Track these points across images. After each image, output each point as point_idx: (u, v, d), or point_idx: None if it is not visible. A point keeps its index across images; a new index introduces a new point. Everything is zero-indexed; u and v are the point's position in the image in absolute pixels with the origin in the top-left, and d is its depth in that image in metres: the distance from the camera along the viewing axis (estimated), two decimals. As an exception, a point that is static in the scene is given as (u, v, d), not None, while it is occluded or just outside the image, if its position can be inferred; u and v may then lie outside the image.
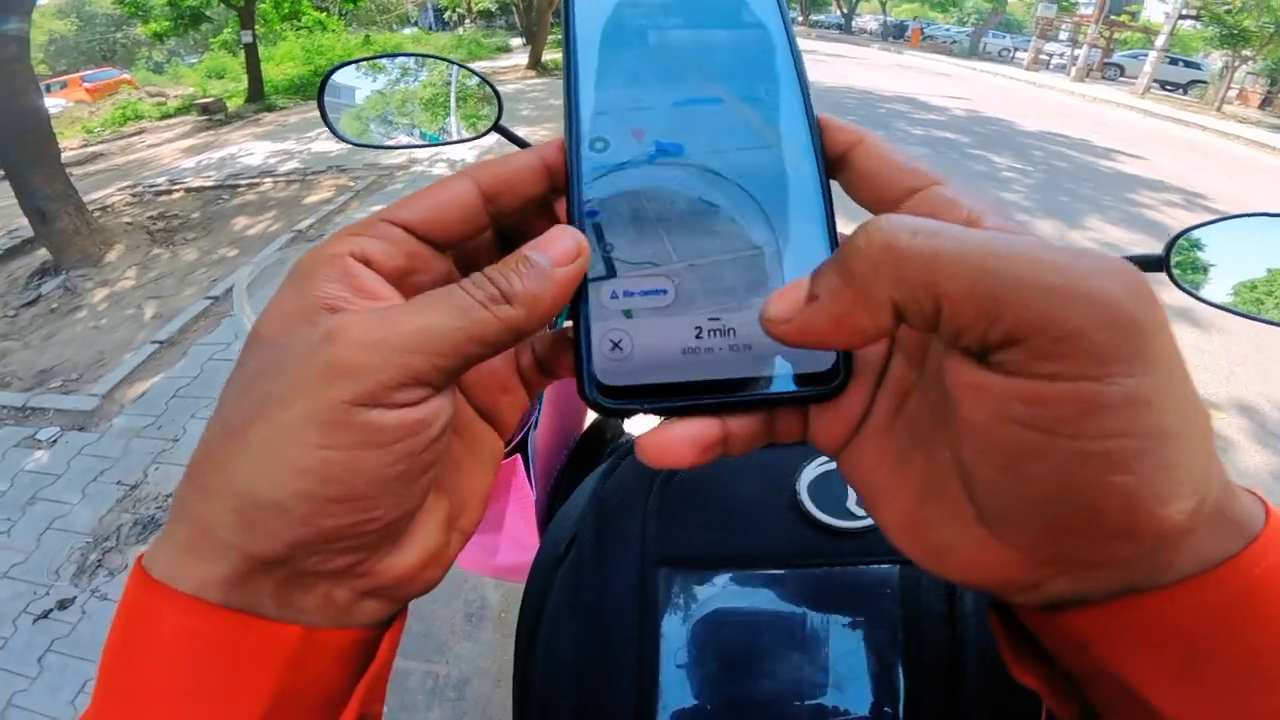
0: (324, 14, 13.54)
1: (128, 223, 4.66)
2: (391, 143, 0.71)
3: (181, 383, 2.70)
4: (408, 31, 24.12)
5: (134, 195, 5.53)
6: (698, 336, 0.19)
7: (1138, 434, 0.13)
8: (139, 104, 12.31)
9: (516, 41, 20.97)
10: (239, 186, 5.44)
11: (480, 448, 0.21)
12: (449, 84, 0.72)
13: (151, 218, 4.78)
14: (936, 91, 11.34)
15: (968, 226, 0.17)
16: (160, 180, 5.92)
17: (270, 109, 10.45)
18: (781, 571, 0.35)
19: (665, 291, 0.19)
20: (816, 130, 0.21)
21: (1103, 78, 18.30)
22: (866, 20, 37.80)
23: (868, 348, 0.19)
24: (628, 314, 0.19)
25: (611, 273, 0.19)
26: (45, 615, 1.79)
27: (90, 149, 8.94)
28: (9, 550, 2.00)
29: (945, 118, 8.58)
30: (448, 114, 0.71)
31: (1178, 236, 0.53)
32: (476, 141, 0.70)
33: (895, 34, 31.54)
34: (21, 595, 1.85)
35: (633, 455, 0.39)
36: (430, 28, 26.87)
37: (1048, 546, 0.16)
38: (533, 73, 12.17)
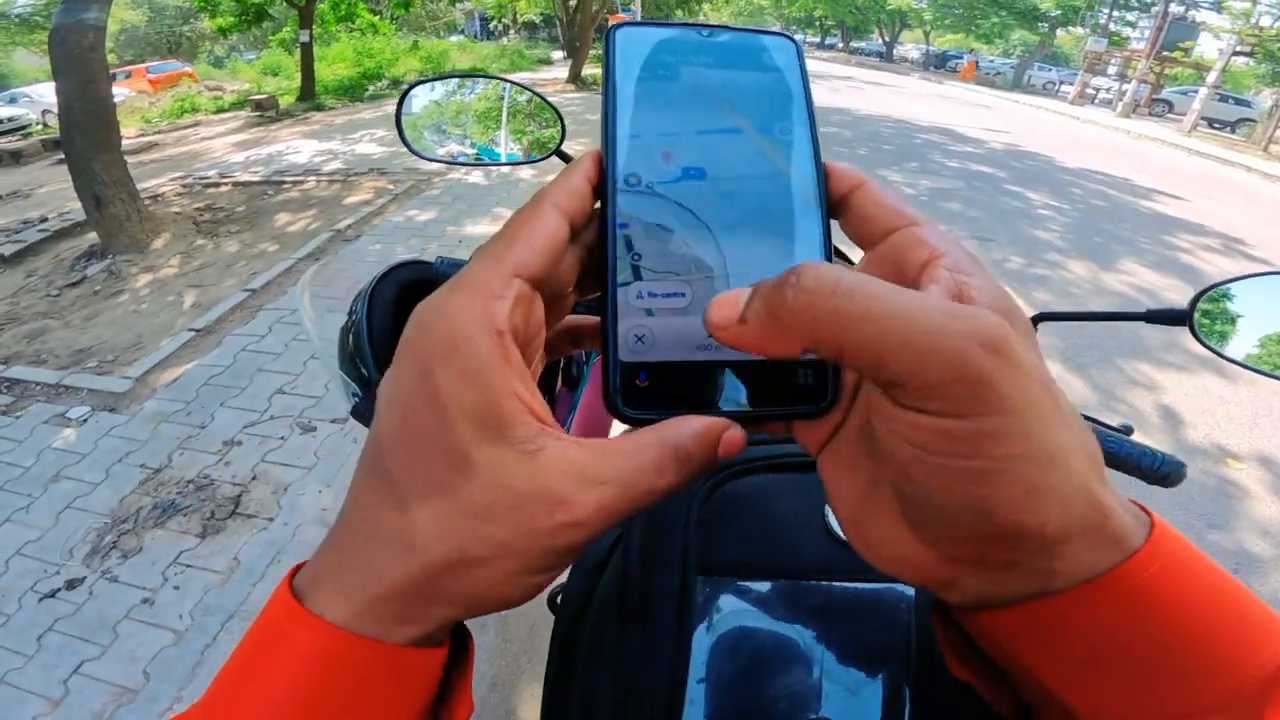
0: (377, 17, 13.92)
1: (176, 212, 4.81)
2: (461, 159, 0.75)
3: (214, 371, 2.75)
4: (454, 39, 24.60)
5: (184, 186, 5.72)
6: (709, 334, 0.21)
7: (989, 457, 0.17)
8: (197, 97, 12.76)
9: (557, 54, 21.23)
10: (284, 183, 5.60)
11: None
12: (515, 106, 0.77)
13: (199, 209, 4.93)
14: (975, 124, 11.23)
15: (925, 266, 0.21)
16: (210, 173, 6.13)
17: (319, 108, 10.77)
18: (808, 583, 0.38)
19: (683, 295, 0.22)
20: (821, 168, 0.23)
21: (1150, 114, 17.82)
22: (908, 49, 37.48)
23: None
24: (649, 313, 0.22)
25: (638, 277, 0.22)
26: (52, 594, 1.80)
27: (147, 138, 9.29)
28: (26, 527, 2.02)
29: (983, 150, 8.49)
30: (515, 135, 0.75)
31: (1201, 294, 0.55)
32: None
33: (937, 64, 31.25)
34: (31, 573, 1.86)
35: None
36: (476, 36, 27.42)
37: (948, 546, 0.19)
38: (572, 87, 12.35)
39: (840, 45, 42.68)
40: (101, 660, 1.62)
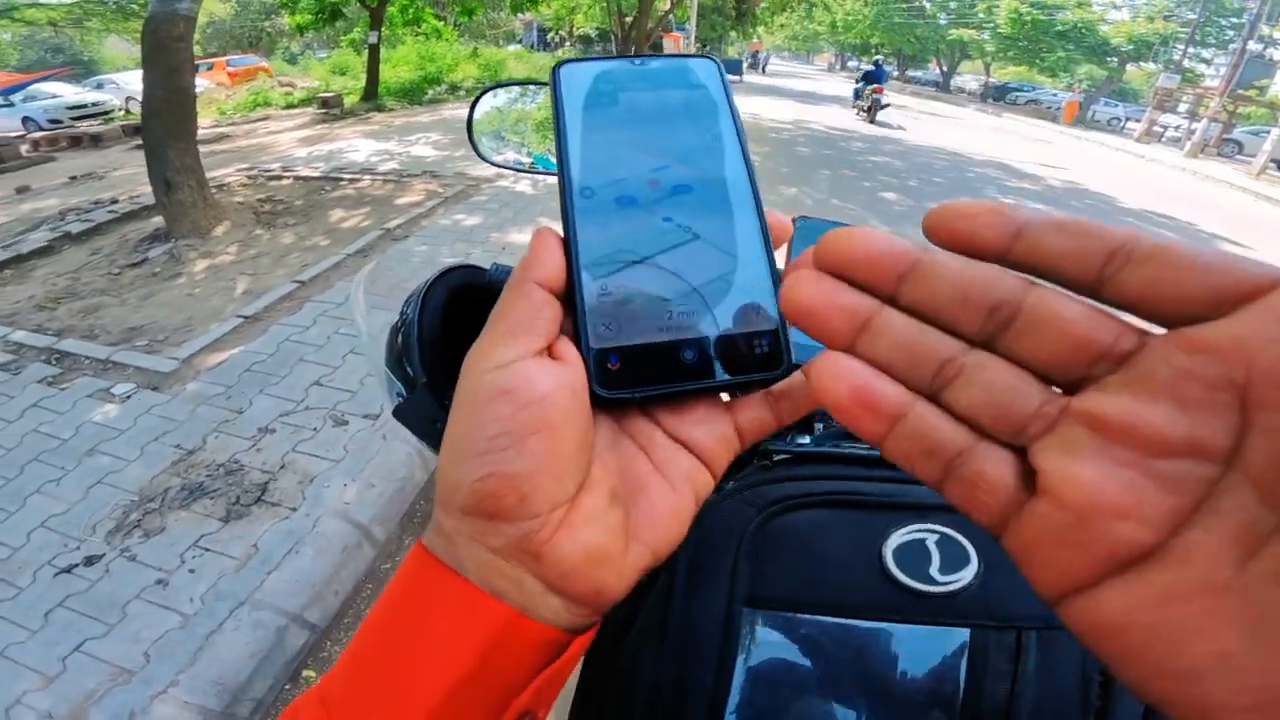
0: (442, 23, 14.39)
1: (239, 202, 5.00)
2: (521, 166, 0.75)
3: (257, 358, 2.82)
4: (512, 48, 25.21)
5: (249, 177, 5.96)
6: (669, 317, 0.24)
7: None
8: (269, 92, 13.36)
9: (612, 69, 21.65)
10: (341, 180, 5.78)
11: (676, 473, 0.24)
12: None
13: (260, 200, 5.12)
14: (1034, 159, 10.95)
15: None
16: (274, 166, 6.37)
17: (380, 109, 11.15)
18: (856, 622, 0.37)
19: (640, 285, 0.24)
20: (751, 166, 0.26)
21: (1219, 154, 17.13)
22: (966, 80, 36.97)
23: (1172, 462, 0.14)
24: (613, 304, 0.24)
25: (598, 274, 0.24)
26: (69, 569, 1.81)
27: (219, 129, 9.76)
28: (54, 499, 2.05)
29: (1040, 188, 8.26)
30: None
31: None
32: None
33: (996, 96, 30.65)
34: (51, 546, 1.88)
35: (728, 501, 0.43)
36: (533, 46, 28.08)
37: None
38: None
39: (896, 74, 42.32)
40: (105, 639, 1.64)
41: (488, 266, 0.61)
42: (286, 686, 1.62)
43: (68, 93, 14.48)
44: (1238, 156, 17.44)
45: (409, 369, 0.54)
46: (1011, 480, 0.16)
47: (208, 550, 1.88)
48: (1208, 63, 22.04)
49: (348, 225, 4.56)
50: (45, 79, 15.22)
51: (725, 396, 0.26)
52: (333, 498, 2.06)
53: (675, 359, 0.24)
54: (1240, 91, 16.32)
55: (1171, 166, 13.60)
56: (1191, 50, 21.98)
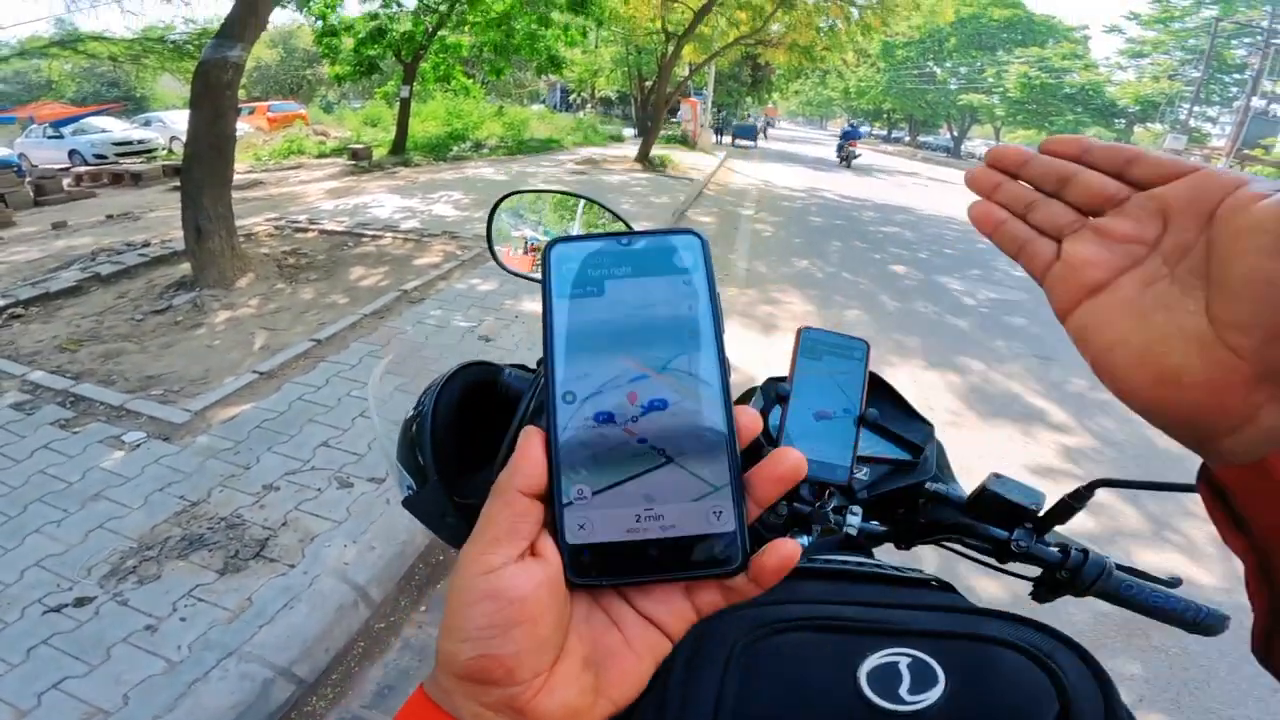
0: (471, 80, 15.02)
1: (264, 253, 5.13)
2: (539, 276, 0.78)
3: (268, 416, 2.84)
4: (536, 108, 26.19)
5: (276, 228, 6.14)
6: (637, 520, 0.26)
7: None
8: (304, 140, 13.90)
9: (629, 132, 22.18)
10: (364, 236, 5.92)
11: (640, 643, 0.28)
12: (594, 226, 0.80)
13: (285, 252, 5.24)
14: (1044, 228, 11.07)
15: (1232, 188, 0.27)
16: (301, 217, 6.57)
17: (407, 164, 11.55)
18: None
19: (613, 491, 0.27)
20: (724, 357, 0.28)
21: None
22: (976, 144, 37.72)
23: (1127, 245, 0.29)
24: (587, 505, 0.26)
25: (576, 479, 0.26)
26: (57, 609, 1.81)
27: (253, 175, 10.13)
28: (52, 540, 2.07)
29: (1050, 258, 8.33)
30: None
31: None
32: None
33: (1008, 162, 31.23)
34: (44, 585, 1.89)
35: (718, 620, 0.44)
36: (555, 107, 29.14)
37: (1267, 348, 0.24)
38: (639, 166, 12.66)
39: (907, 139, 43.38)
40: (85, 679, 1.63)
41: (501, 365, 0.63)
42: (266, 743, 1.59)
43: (116, 128, 15.11)
44: None
45: (421, 462, 0.55)
46: (1050, 253, 0.31)
47: (201, 600, 1.87)
48: (1213, 121, 22.34)
49: (367, 284, 4.64)
50: (97, 113, 15.94)
51: None
52: (332, 557, 2.05)
53: (642, 555, 0.27)
54: (1246, 151, 16.49)
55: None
56: (1197, 109, 22.31)
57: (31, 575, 1.94)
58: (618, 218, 0.77)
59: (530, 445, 0.27)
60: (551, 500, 0.27)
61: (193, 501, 2.28)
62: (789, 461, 0.27)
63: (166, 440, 2.65)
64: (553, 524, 0.27)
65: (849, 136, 19.01)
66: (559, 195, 0.82)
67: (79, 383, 3.08)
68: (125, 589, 1.90)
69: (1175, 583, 0.63)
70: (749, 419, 0.28)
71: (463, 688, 0.26)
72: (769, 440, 0.68)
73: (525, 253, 0.80)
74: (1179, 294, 0.27)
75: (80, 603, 1.84)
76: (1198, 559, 2.51)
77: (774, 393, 0.73)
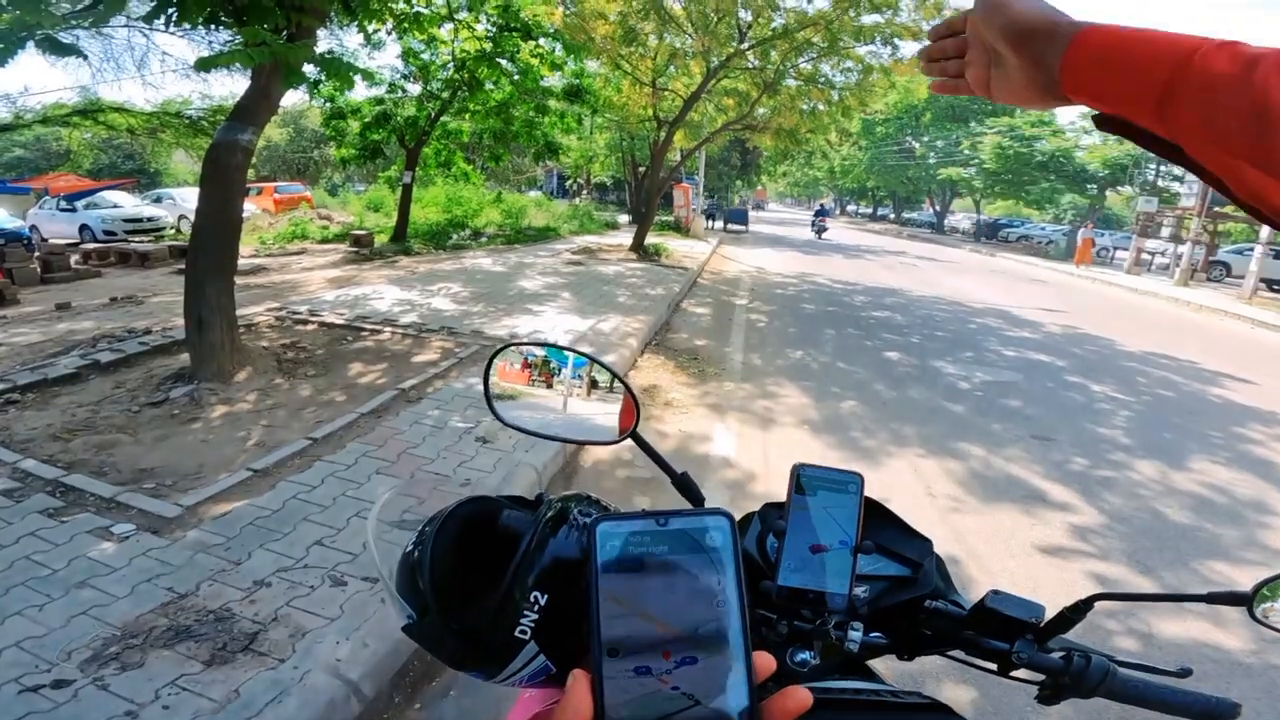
0: (471, 166, 15.68)
1: (264, 346, 5.15)
2: (539, 431, 0.80)
3: (261, 514, 2.79)
4: (533, 194, 27.21)
5: (277, 319, 6.20)
6: None
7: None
8: (308, 224, 14.31)
9: (623, 219, 22.91)
10: (363, 330, 5.96)
11: None
12: (595, 382, 0.83)
13: (284, 346, 5.26)
14: (1031, 303, 11.38)
15: None
16: (302, 309, 6.65)
17: (407, 252, 11.79)
18: None
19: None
20: (746, 615, 0.32)
21: (1208, 279, 17.43)
22: (959, 219, 39.05)
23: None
24: None
25: (618, 715, 0.30)
26: (35, 689, 1.76)
27: (257, 260, 10.35)
28: (33, 623, 2.04)
29: (1040, 335, 8.49)
30: (593, 411, 0.81)
31: (1264, 582, 0.62)
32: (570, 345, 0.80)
33: (988, 234, 32.34)
34: (22, 665, 1.86)
35: None
36: (552, 194, 30.34)
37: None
38: (634, 255, 12.88)
39: (892, 216, 45.07)
40: None
41: (501, 500, 0.65)
42: None
43: (128, 204, 15.39)
44: (1227, 280, 17.82)
45: (422, 589, 0.57)
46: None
47: (185, 690, 1.80)
48: (1180, 179, 22.94)
49: (364, 381, 4.63)
50: (110, 188, 16.30)
51: None
52: (324, 653, 1.97)
53: None
54: (1218, 209, 16.98)
55: (1165, 298, 14.04)
56: (1164, 169, 22.98)
57: (10, 655, 1.89)
58: (612, 372, 0.81)
59: (579, 688, 0.31)
60: None
61: (181, 594, 2.22)
62: (797, 698, 0.32)
63: (156, 533, 2.59)
64: None
65: (820, 214, 25.82)
66: (552, 348, 0.87)
67: (70, 473, 3.04)
68: (106, 674, 1.84)
69: (1185, 673, 0.64)
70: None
71: None
72: (766, 565, 0.70)
73: (522, 369, 0.83)
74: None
75: (59, 685, 1.79)
76: (1222, 624, 2.47)
77: (771, 521, 0.75)
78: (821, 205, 28.64)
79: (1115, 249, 23.98)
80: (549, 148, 13.14)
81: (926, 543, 0.77)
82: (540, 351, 0.85)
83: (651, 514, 0.33)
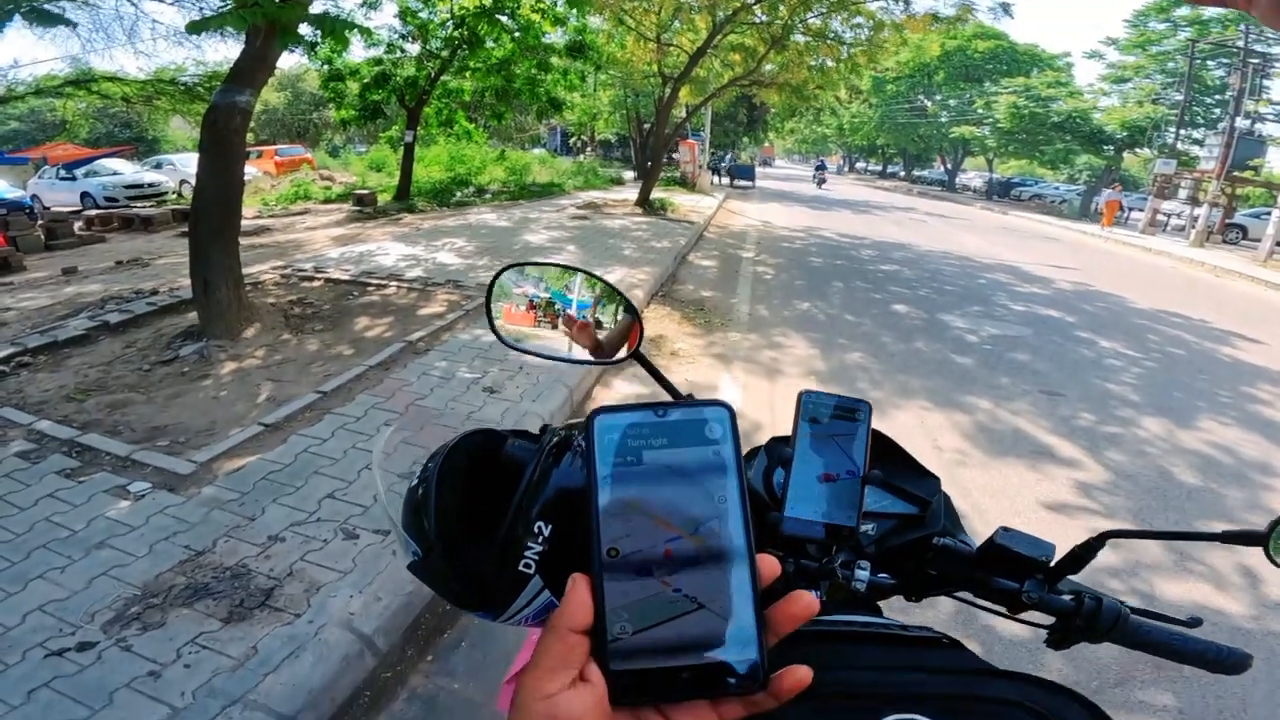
0: (473, 125, 15.41)
1: (270, 303, 5.16)
2: (540, 351, 0.78)
3: (274, 468, 2.82)
4: (537, 151, 26.74)
5: (283, 276, 6.19)
6: (672, 650, 0.30)
7: None
8: (310, 185, 14.17)
9: (629, 174, 22.59)
10: (369, 285, 5.95)
11: None
12: (598, 300, 0.81)
13: (291, 302, 5.28)
14: (1042, 260, 11.19)
15: None
16: (307, 266, 6.63)
17: (411, 209, 11.71)
18: None
19: (652, 628, 0.30)
20: (748, 514, 0.31)
21: (1224, 241, 17.15)
22: (970, 177, 38.25)
23: None
24: (629, 638, 0.30)
25: (619, 616, 0.30)
26: (60, 653, 1.80)
27: (260, 221, 10.29)
28: (56, 586, 2.07)
29: (1050, 292, 8.37)
30: (596, 330, 0.79)
31: (1279, 522, 0.59)
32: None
33: (1000, 192, 31.71)
34: (46, 629, 1.89)
35: None
36: (556, 151, 29.77)
37: None
38: (640, 210, 12.80)
39: (902, 174, 44.11)
40: None
41: (504, 433, 0.63)
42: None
43: (127, 170, 15.35)
44: (1242, 242, 17.49)
45: (425, 528, 0.56)
46: None
47: (205, 648, 1.85)
48: (1200, 143, 22.34)
49: (371, 335, 4.64)
50: (108, 155, 16.18)
51: None
52: (338, 607, 2.02)
53: (676, 679, 0.31)
54: (1236, 173, 16.61)
55: (1179, 259, 13.78)
56: (1184, 133, 22.40)
57: (34, 619, 1.93)
58: (616, 292, 0.79)
59: (578, 590, 0.31)
60: (597, 634, 0.31)
61: (198, 551, 2.26)
62: (803, 603, 0.32)
63: (172, 491, 2.64)
64: (599, 654, 0.31)
65: (820, 168, 28.64)
66: (558, 268, 0.84)
67: (85, 433, 3.08)
68: (129, 635, 1.88)
69: (1195, 623, 0.63)
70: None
71: None
72: (774, 502, 0.68)
73: (527, 310, 0.81)
74: None
75: (83, 647, 1.83)
76: (1224, 588, 2.48)
77: (777, 455, 0.74)
78: (821, 161, 31.96)
79: (1130, 210, 23.52)
80: (552, 104, 12.86)
81: (935, 480, 0.75)
82: (544, 270, 0.82)
83: (650, 405, 0.32)
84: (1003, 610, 0.66)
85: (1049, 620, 0.65)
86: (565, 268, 0.81)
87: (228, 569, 2.17)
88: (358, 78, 11.68)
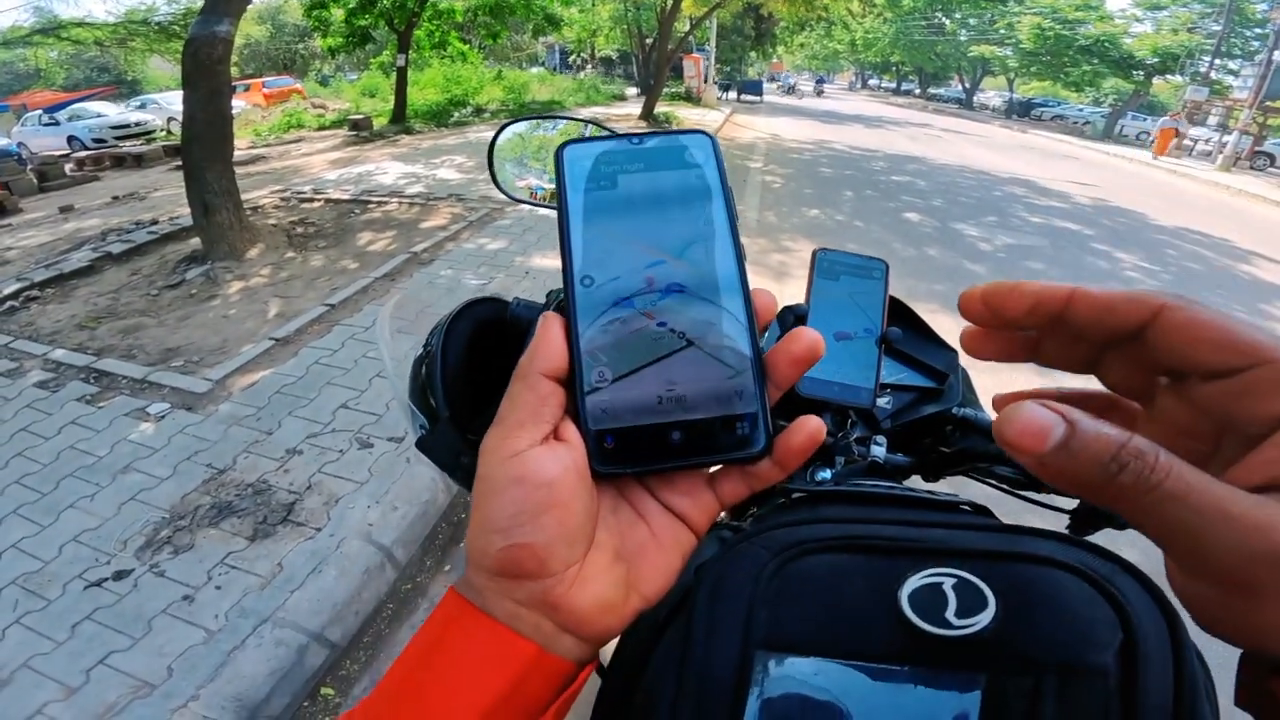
0: (467, 46, 14.73)
1: (272, 225, 5.13)
2: (543, 203, 0.74)
3: (287, 381, 2.86)
4: (535, 70, 25.65)
5: (282, 199, 6.12)
6: (659, 402, 0.26)
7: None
8: (303, 114, 13.73)
9: (631, 91, 21.75)
10: (369, 203, 5.89)
11: (667, 536, 0.28)
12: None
13: (292, 222, 5.24)
14: (1061, 176, 10.79)
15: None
16: (306, 188, 6.54)
17: (408, 131, 11.40)
18: (875, 665, 0.37)
19: (634, 374, 0.26)
20: (739, 245, 0.28)
21: (1251, 167, 16.67)
22: (989, 96, 36.66)
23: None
24: (609, 390, 0.26)
25: (596, 362, 0.27)
26: (98, 583, 1.83)
27: (255, 151, 10.05)
28: (87, 514, 2.10)
29: (1068, 205, 8.11)
30: None
31: None
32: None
33: (1020, 112, 30.36)
34: (83, 560, 1.92)
35: (745, 544, 0.42)
36: (555, 69, 28.49)
37: None
38: (644, 124, 12.50)
39: (917, 91, 42.12)
40: (129, 652, 1.66)
41: (509, 300, 0.62)
42: (305, 704, 1.63)
43: (111, 112, 14.94)
44: (1270, 169, 17.05)
45: (433, 402, 0.54)
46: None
47: (234, 568, 1.91)
48: (1235, 74, 21.36)
49: (375, 249, 4.64)
50: (89, 98, 15.76)
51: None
52: (357, 520, 2.08)
53: (665, 440, 0.27)
54: (1270, 103, 15.96)
55: (1204, 181, 13.30)
56: (1218, 62, 21.46)
57: (70, 550, 1.98)
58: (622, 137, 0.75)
59: (550, 328, 0.27)
60: (573, 386, 0.27)
61: (219, 469, 2.31)
62: (805, 340, 0.27)
63: (190, 410, 2.68)
64: (574, 411, 0.26)
65: (820, 81, 34.66)
66: (563, 122, 0.79)
67: (100, 358, 3.12)
68: (161, 560, 1.93)
69: None
70: (766, 299, 0.28)
71: (495, 584, 0.26)
72: None
73: (527, 175, 0.78)
74: None
75: (119, 576, 1.88)
76: None
77: (791, 317, 0.70)
78: (820, 76, 37.25)
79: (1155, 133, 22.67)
80: (549, 20, 12.24)
81: (953, 354, 0.72)
82: (542, 123, 0.78)
83: (623, 135, 0.29)
84: (1026, 493, 0.63)
85: (1073, 504, 0.61)
86: (570, 119, 0.77)
87: (249, 485, 2.22)
88: (342, 3, 11.08)
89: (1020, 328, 0.26)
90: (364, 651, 1.79)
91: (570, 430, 0.26)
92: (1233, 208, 10.39)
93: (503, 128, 0.75)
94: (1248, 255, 6.49)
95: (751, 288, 0.28)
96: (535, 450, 0.25)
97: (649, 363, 0.27)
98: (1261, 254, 6.61)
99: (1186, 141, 18.50)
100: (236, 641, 1.67)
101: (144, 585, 1.85)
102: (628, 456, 0.27)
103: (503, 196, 0.75)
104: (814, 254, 0.61)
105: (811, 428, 0.27)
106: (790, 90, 33.66)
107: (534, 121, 0.78)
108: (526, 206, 0.78)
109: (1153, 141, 18.08)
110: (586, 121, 0.76)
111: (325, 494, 2.19)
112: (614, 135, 0.29)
